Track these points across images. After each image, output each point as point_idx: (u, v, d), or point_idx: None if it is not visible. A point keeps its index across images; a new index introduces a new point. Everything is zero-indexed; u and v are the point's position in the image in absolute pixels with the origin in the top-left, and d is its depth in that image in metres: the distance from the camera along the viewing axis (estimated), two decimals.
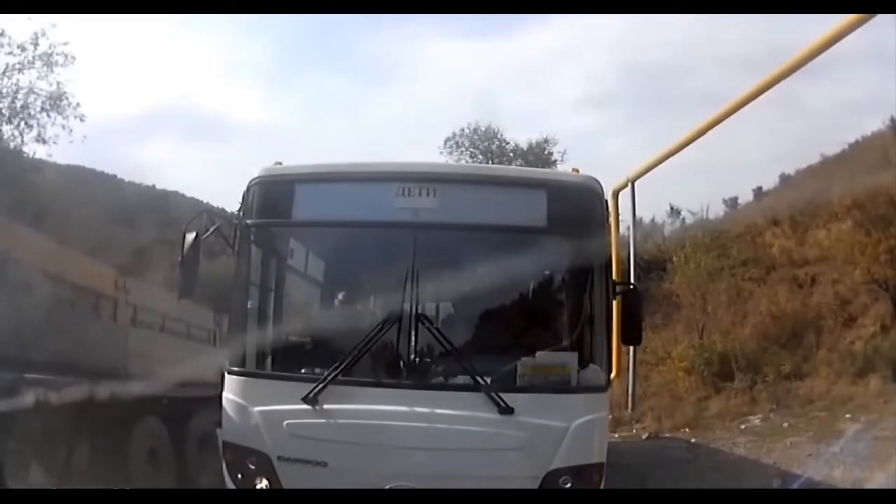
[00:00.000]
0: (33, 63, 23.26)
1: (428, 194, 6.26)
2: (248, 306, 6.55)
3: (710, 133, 13.78)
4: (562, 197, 6.33)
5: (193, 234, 6.40)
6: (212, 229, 6.58)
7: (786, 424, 13.90)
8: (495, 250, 6.28)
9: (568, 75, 47.13)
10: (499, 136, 29.05)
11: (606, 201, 6.69)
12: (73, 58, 23.40)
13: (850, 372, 15.44)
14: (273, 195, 6.46)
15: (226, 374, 6.31)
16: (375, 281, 6.64)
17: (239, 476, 6.13)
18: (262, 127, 61.34)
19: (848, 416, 13.53)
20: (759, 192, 27.50)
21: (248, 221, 6.45)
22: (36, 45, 23.07)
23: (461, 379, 6.04)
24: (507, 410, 5.84)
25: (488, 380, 5.97)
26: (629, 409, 15.85)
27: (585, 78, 47.33)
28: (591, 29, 48.81)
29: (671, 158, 15.07)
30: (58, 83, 23.44)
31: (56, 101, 23.42)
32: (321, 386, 5.91)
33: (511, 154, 28.68)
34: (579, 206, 6.31)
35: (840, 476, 10.03)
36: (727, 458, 12.33)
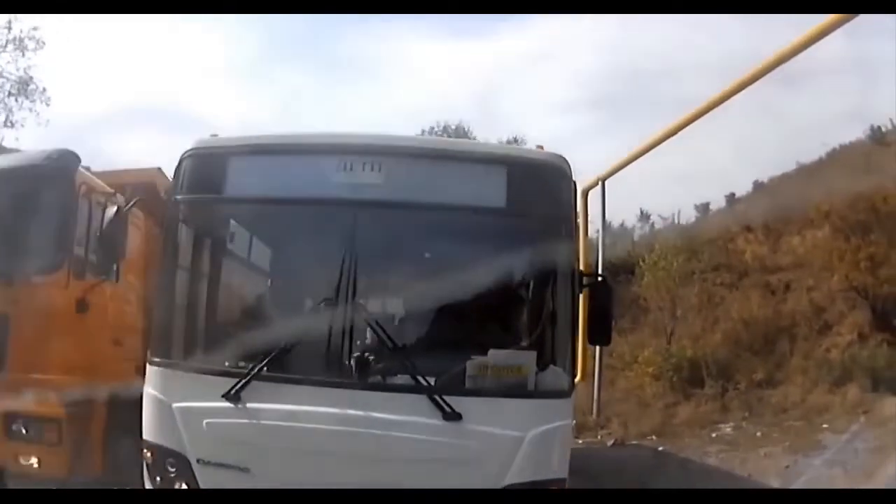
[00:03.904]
0: (5, 47, 22.96)
1: (372, 169, 5.71)
2: (174, 291, 6.07)
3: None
4: (523, 175, 5.76)
5: (114, 209, 6.01)
6: (131, 203, 6.16)
7: (759, 433, 13.52)
8: (446, 233, 5.93)
9: (549, 78, 46.81)
10: (469, 135, 28.73)
11: (574, 182, 6.06)
12: (43, 43, 23.14)
13: (826, 381, 15.03)
14: (204, 169, 5.98)
15: (147, 365, 5.84)
16: (311, 265, 6.16)
17: (158, 479, 5.62)
18: (241, 123, 60.40)
19: (825, 426, 13.15)
20: (731, 198, 26.94)
21: (176, 197, 5.98)
22: (9, 29, 22.74)
23: (403, 379, 5.46)
24: (452, 416, 5.24)
25: (433, 381, 5.38)
26: (594, 415, 15.35)
27: (566, 81, 47.05)
28: (573, 31, 48.71)
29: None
30: (25, 69, 23.12)
31: (24, 86, 23.11)
32: (243, 382, 5.39)
33: None
34: (543, 186, 5.76)
35: None
36: (698, 468, 11.93)
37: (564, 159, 5.91)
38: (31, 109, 23.52)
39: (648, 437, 14.18)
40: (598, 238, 17.04)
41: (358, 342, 5.56)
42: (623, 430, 14.65)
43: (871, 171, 18.80)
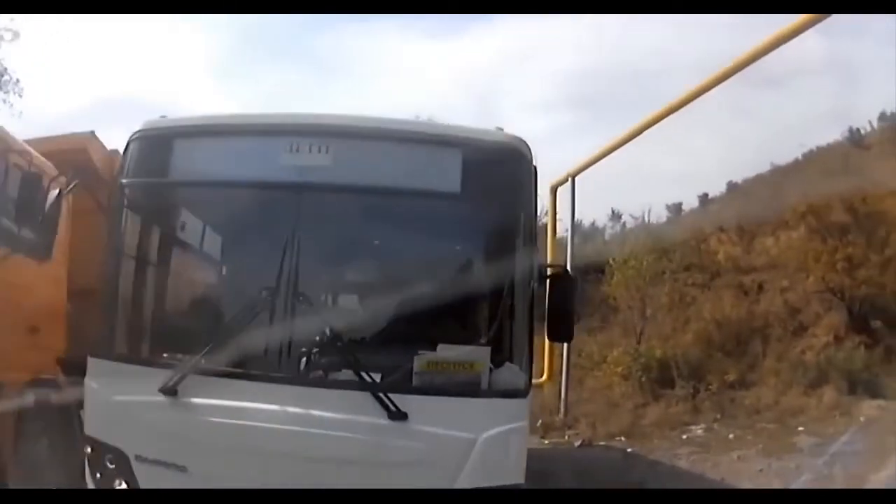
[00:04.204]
0: None
1: (319, 151, 5.37)
2: (117, 279, 5.70)
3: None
4: (480, 158, 5.37)
5: (56, 192, 5.85)
6: (71, 185, 6.01)
7: (731, 436, 13.19)
8: (397, 219, 5.58)
9: (527, 77, 46.59)
10: None
11: (535, 167, 5.68)
12: (18, 33, 22.31)
13: (801, 382, 14.80)
14: (149, 152, 5.68)
15: (88, 357, 5.51)
16: (254, 253, 5.85)
17: (98, 475, 5.32)
18: None
19: (801, 428, 12.96)
20: (704, 198, 26.85)
21: (122, 181, 5.68)
22: None
23: (346, 375, 5.11)
24: (398, 416, 4.90)
25: (378, 377, 5.05)
26: (561, 415, 14.91)
27: (544, 80, 46.86)
28: (551, 31, 48.39)
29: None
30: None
31: None
32: (179, 376, 5.07)
33: None
34: (500, 170, 5.38)
35: None
36: (668, 471, 11.57)
37: (524, 142, 5.56)
38: (4, 101, 22.74)
39: (617, 438, 13.72)
40: (567, 235, 16.70)
41: (300, 335, 5.22)
42: (591, 430, 14.17)
43: (849, 172, 18.68)
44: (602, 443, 13.61)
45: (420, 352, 5.07)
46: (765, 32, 10.33)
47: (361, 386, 4.95)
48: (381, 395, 4.89)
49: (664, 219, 25.51)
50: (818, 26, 9.27)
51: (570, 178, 15.12)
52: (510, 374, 5.23)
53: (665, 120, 12.71)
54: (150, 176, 5.66)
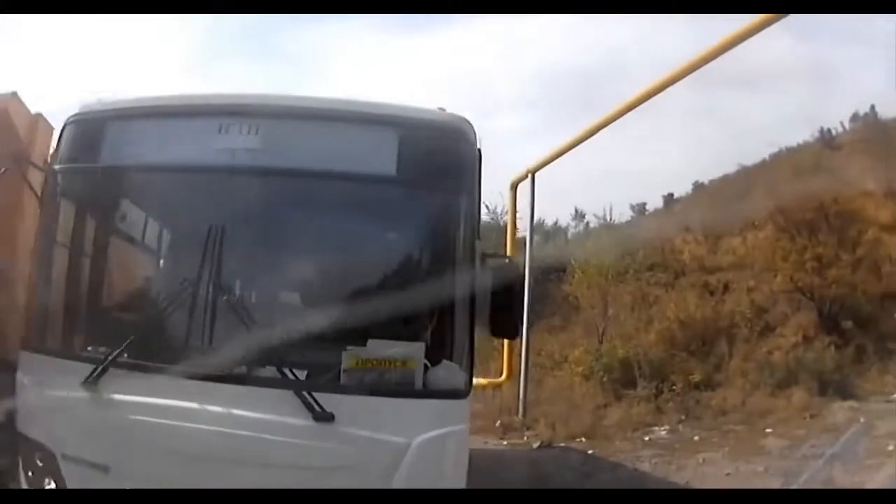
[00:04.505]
0: None
1: (249, 132, 5.16)
2: (49, 268, 5.58)
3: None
4: (419, 139, 5.21)
5: None
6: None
7: (696, 437, 12.93)
8: (327, 204, 5.41)
9: (495, 75, 46.52)
10: None
11: (480, 150, 5.50)
12: None
13: (768, 383, 14.43)
14: (83, 136, 5.53)
15: (21, 350, 5.40)
16: (182, 241, 5.85)
17: (30, 474, 5.16)
18: None
19: (769, 430, 12.64)
20: (669, 198, 26.04)
21: (54, 167, 5.56)
22: None
23: (271, 372, 4.85)
24: (324, 417, 4.66)
25: (304, 374, 4.83)
26: (520, 415, 14.54)
27: (511, 80, 46.72)
28: (522, 31, 48.18)
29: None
30: None
31: None
32: (99, 370, 4.85)
33: None
34: (441, 152, 5.21)
35: None
36: (630, 475, 11.17)
37: (467, 122, 5.36)
38: None
39: (577, 440, 13.32)
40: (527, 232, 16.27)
41: (222, 329, 4.96)
42: (551, 431, 13.70)
43: (819, 172, 18.41)
44: (562, 444, 13.19)
45: (348, 347, 4.82)
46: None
47: (285, 384, 4.71)
48: (304, 394, 4.65)
49: (628, 218, 24.83)
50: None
51: (529, 175, 14.86)
52: (448, 372, 4.97)
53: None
54: (81, 161, 5.47)
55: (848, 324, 15.88)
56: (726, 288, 18.15)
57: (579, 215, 25.75)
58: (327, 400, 4.65)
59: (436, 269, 5.19)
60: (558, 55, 47.40)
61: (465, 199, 5.17)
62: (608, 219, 23.06)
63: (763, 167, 22.38)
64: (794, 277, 16.10)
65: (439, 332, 5.08)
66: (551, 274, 19.99)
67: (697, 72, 10.74)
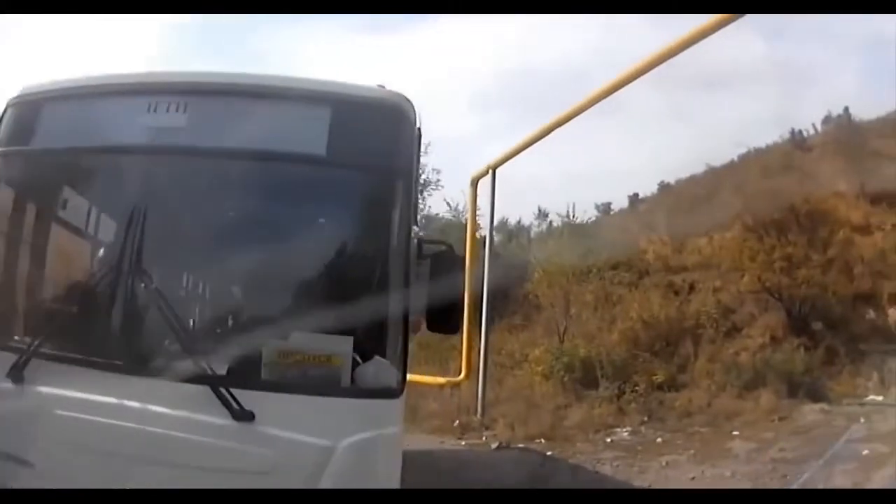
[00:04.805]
0: None
1: (176, 110, 4.97)
2: None
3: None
4: (352, 116, 4.96)
5: None
6: None
7: (660, 440, 12.55)
8: (254, 186, 5.06)
9: (461, 76, 46.59)
10: None
11: (419, 129, 5.33)
12: None
13: (735, 385, 14.11)
14: (21, 119, 5.32)
15: None
16: (107, 226, 5.46)
17: None
18: None
19: (736, 433, 12.31)
20: (635, 198, 26.29)
21: None
22: None
23: (188, 366, 4.56)
24: (243, 416, 4.39)
25: (224, 369, 4.59)
26: (478, 415, 14.23)
27: (471, 80, 46.86)
28: (486, 31, 48.16)
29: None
30: None
31: None
32: (22, 361, 4.64)
33: None
34: (375, 130, 4.98)
35: None
36: (590, 477, 10.78)
37: (406, 99, 5.12)
38: None
39: (537, 441, 12.90)
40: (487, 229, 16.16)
41: (144, 319, 4.78)
42: (510, 431, 13.38)
43: (789, 172, 18.47)
44: (521, 445, 12.81)
45: (270, 340, 4.56)
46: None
47: (201, 379, 4.42)
48: (222, 390, 4.36)
49: (593, 218, 24.98)
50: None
51: (490, 171, 14.65)
52: (378, 369, 4.68)
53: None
54: (18, 144, 5.27)
55: (818, 325, 15.71)
56: (692, 288, 17.93)
57: (542, 214, 25.76)
58: (247, 398, 4.36)
59: (368, 256, 4.94)
60: (526, 55, 47.58)
61: (402, 181, 4.90)
62: (570, 216, 22.71)
63: (731, 168, 22.34)
64: (762, 277, 15.83)
65: (370, 326, 4.73)
66: (513, 272, 19.54)
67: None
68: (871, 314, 15.98)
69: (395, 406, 4.68)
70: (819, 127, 22.81)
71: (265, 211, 5.02)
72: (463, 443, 12.95)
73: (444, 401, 14.59)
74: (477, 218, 16.07)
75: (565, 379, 15.24)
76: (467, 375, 14.26)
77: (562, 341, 16.99)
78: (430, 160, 26.15)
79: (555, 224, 24.74)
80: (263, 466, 4.37)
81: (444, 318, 5.23)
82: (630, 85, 11.23)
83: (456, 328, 5.49)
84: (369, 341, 4.70)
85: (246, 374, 4.53)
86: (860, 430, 11.33)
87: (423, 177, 26.00)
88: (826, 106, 23.04)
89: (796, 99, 29.60)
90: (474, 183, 15.15)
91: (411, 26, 54.70)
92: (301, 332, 4.58)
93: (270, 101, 5.02)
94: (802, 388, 13.58)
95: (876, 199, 17.62)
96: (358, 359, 4.62)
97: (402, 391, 4.70)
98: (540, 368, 15.83)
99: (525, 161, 13.96)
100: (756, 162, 20.98)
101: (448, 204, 23.80)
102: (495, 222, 23.52)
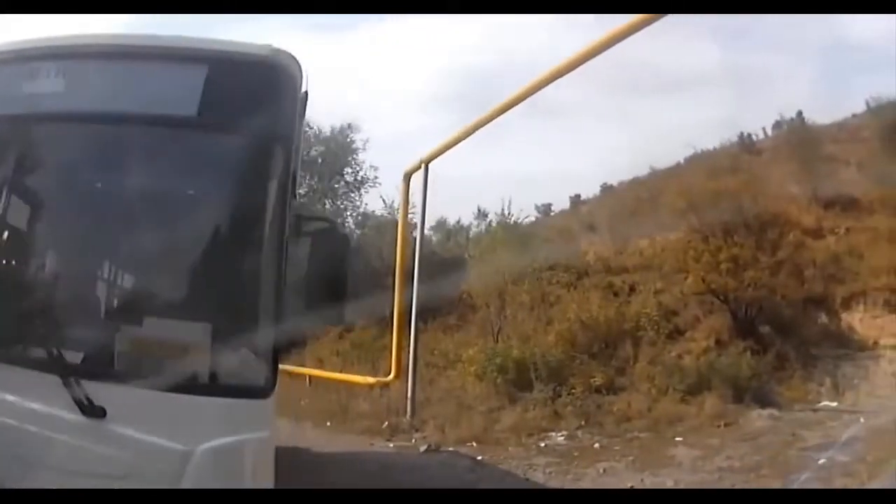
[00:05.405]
0: None
1: (49, 75, 4.57)
2: None
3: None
4: (228, 76, 4.56)
5: None
6: None
7: (597, 445, 12.05)
8: (115, 153, 4.61)
9: (405, 75, 46.54)
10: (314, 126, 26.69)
11: (306, 93, 4.90)
12: None
13: (678, 389, 13.54)
14: None
15: None
16: None
17: None
18: None
19: (678, 439, 11.83)
20: (576, 199, 26.01)
21: None
22: None
23: (39, 353, 4.07)
24: (94, 412, 3.88)
25: (79, 357, 4.08)
26: (408, 416, 13.98)
27: (414, 80, 46.85)
28: (429, 31, 48.17)
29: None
30: None
31: None
32: None
33: (313, 140, 26.45)
34: (252, 90, 4.57)
35: None
36: (520, 485, 10.24)
37: (290, 57, 4.70)
38: None
39: (468, 444, 12.56)
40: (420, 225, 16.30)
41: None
42: (440, 434, 13.10)
43: (738, 173, 17.90)
44: (450, 448, 12.46)
45: (123, 326, 4.20)
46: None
47: (51, 367, 3.96)
48: (72, 382, 3.89)
49: (533, 219, 24.70)
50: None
51: (423, 165, 14.52)
52: (244, 364, 4.28)
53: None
54: None
55: (766, 328, 15.34)
56: (632, 289, 17.50)
57: (482, 214, 25.17)
58: (102, 391, 3.90)
59: (236, 231, 4.49)
60: (470, 56, 47.62)
61: (279, 147, 4.48)
62: (506, 214, 22.50)
63: (676, 170, 22.06)
64: (707, 279, 15.35)
65: (237, 312, 4.32)
66: (449, 271, 19.12)
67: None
68: (824, 318, 15.69)
69: (263, 407, 4.20)
70: (770, 131, 22.89)
71: (125, 180, 4.57)
72: (391, 445, 12.63)
73: (375, 401, 14.38)
74: (410, 215, 15.84)
75: (498, 380, 14.76)
76: (397, 375, 14.10)
77: (496, 342, 16.58)
78: (368, 157, 25.90)
79: (494, 224, 24.48)
80: (118, 470, 3.91)
81: (325, 306, 4.71)
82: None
83: (340, 319, 5.04)
84: (235, 331, 4.23)
85: (99, 364, 4.11)
86: (815, 438, 10.93)
87: (360, 174, 25.56)
88: (778, 110, 23.08)
89: (748, 103, 29.97)
90: (407, 178, 15.02)
91: (356, 25, 54.52)
92: (156, 318, 4.21)
93: (146, 62, 4.66)
94: (749, 393, 13.13)
95: (829, 204, 17.53)
96: (225, 351, 4.19)
97: (271, 389, 4.23)
98: (472, 369, 15.37)
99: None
100: (702, 165, 20.74)
101: (384, 201, 23.61)
102: (434, 222, 23.77)
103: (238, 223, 4.50)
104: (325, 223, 5.24)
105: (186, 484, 3.96)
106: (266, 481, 4.26)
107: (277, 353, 4.31)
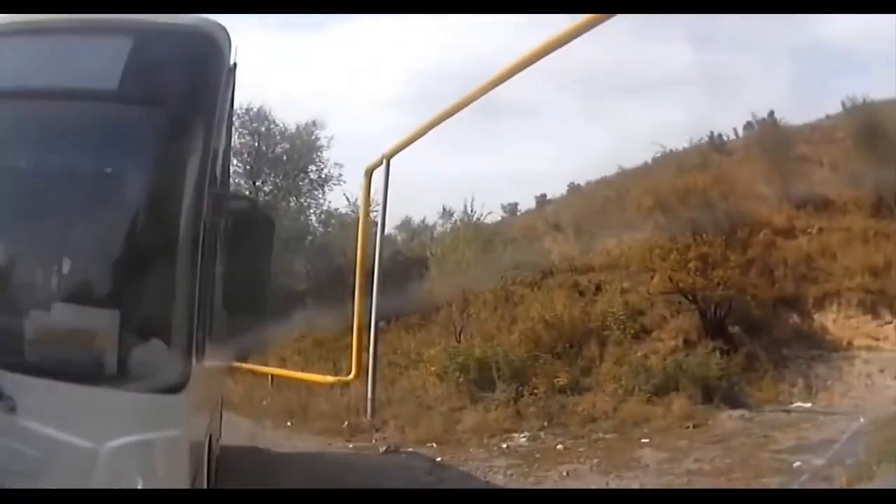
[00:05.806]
0: None
1: None
2: None
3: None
4: (153, 47, 4.38)
5: None
6: None
7: (560, 446, 11.70)
8: (29, 128, 4.37)
9: (376, 75, 46.48)
10: (269, 117, 26.42)
11: (234, 64, 4.75)
12: None
13: (644, 389, 13.26)
14: None
15: None
16: None
17: None
18: None
19: (645, 440, 11.53)
20: (542, 199, 25.82)
21: None
22: None
23: None
24: (3, 405, 3.66)
25: None
26: (368, 416, 13.75)
27: (381, 79, 46.75)
28: (395, 29, 48.01)
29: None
30: None
31: None
32: None
33: (278, 137, 26.52)
34: (175, 61, 4.36)
35: None
36: (480, 488, 9.90)
37: (218, 28, 4.52)
38: None
39: (428, 445, 12.31)
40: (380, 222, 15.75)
41: None
42: (400, 434, 12.88)
43: (707, 172, 17.86)
44: (410, 449, 12.27)
45: (34, 312, 3.98)
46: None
47: None
48: None
49: (498, 218, 24.54)
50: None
51: (384, 161, 14.36)
52: (155, 355, 3.98)
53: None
54: None
55: (735, 328, 15.15)
56: (598, 288, 17.23)
57: (447, 214, 25.29)
58: (15, 382, 3.70)
59: (150, 211, 4.21)
60: (438, 56, 47.56)
61: (198, 120, 4.25)
62: (469, 212, 22.34)
63: (644, 169, 21.93)
64: (675, 278, 15.02)
65: (148, 298, 4.07)
66: (412, 270, 19.39)
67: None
68: (796, 318, 15.52)
69: (177, 403, 3.94)
70: (741, 132, 22.78)
71: (34, 158, 4.46)
72: (351, 445, 12.44)
73: (336, 401, 14.11)
74: (374, 213, 15.71)
75: (460, 380, 14.46)
76: (357, 375, 13.86)
77: (458, 341, 16.37)
78: (333, 154, 25.50)
79: (458, 224, 24.53)
80: (28, 467, 3.69)
81: (244, 294, 4.44)
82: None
83: (258, 308, 4.55)
84: (146, 318, 4.02)
85: (7, 353, 3.85)
86: (788, 440, 10.65)
87: (325, 171, 25.15)
88: (750, 111, 22.97)
89: (720, 104, 29.90)
90: (368, 173, 14.85)
91: (325, 25, 54.28)
92: (63, 304, 4.00)
93: (71, 37, 4.52)
94: (719, 394, 12.86)
95: (802, 204, 17.42)
96: (136, 340, 3.92)
97: (185, 383, 3.95)
98: (434, 369, 15.11)
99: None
100: (671, 164, 20.58)
101: (347, 199, 23.43)
102: (399, 221, 23.80)
103: (151, 202, 4.23)
104: (245, 203, 5.09)
105: (95, 484, 3.72)
106: (179, 482, 3.98)
107: (195, 345, 4.06)
